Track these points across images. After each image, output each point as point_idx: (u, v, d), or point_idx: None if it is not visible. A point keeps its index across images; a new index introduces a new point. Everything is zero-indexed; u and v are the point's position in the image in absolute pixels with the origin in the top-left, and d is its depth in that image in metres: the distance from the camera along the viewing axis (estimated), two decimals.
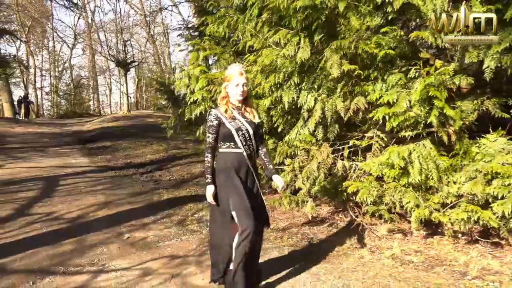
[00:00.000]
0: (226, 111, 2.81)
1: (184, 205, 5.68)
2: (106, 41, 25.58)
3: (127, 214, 5.24)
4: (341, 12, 3.42)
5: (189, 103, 4.77)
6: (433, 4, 3.29)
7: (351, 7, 3.46)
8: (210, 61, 6.05)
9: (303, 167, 4.18)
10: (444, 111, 3.27)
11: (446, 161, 3.59)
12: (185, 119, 5.14)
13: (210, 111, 2.88)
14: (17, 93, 27.44)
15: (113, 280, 3.24)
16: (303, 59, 3.72)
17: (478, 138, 3.67)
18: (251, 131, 2.83)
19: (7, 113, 20.59)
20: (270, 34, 3.95)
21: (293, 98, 4.08)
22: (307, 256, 3.69)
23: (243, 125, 2.81)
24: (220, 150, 2.85)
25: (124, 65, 21.02)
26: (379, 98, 3.49)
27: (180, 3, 21.57)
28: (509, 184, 3.15)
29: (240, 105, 2.87)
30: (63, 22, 34.58)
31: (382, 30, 3.50)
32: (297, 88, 4.10)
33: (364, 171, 4.02)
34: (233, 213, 2.73)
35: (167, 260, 3.68)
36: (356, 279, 3.03)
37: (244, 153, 2.80)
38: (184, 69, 5.04)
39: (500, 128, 3.72)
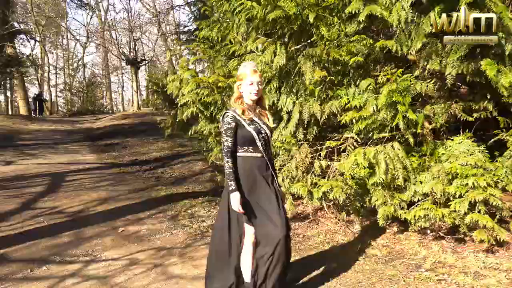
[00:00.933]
0: (243, 112, 2.62)
1: (179, 201, 5.98)
2: (117, 39, 26.02)
3: (125, 209, 5.57)
4: (312, 22, 3.64)
5: (179, 105, 5.06)
6: (398, 15, 3.50)
7: (322, 17, 3.68)
8: (204, 65, 6.32)
9: (284, 166, 4.45)
10: (407, 115, 3.48)
11: (415, 161, 3.81)
12: (178, 120, 5.43)
13: (225, 112, 2.66)
14: (33, 91, 28.32)
15: (101, 269, 3.57)
16: (279, 65, 3.97)
17: (445, 140, 3.88)
18: (269, 134, 2.71)
19: (22, 110, 21.24)
20: (250, 42, 4.20)
21: (273, 101, 4.33)
22: None
23: (262, 127, 2.66)
24: (237, 154, 2.65)
25: (134, 63, 21.44)
26: (348, 102, 3.72)
27: (190, 2, 21.77)
28: (466, 184, 3.36)
29: (254, 106, 2.71)
30: (77, 20, 35.27)
31: (352, 38, 3.72)
32: (277, 91, 4.35)
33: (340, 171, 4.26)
34: (246, 226, 2.62)
35: (154, 251, 3.99)
36: (316, 270, 3.28)
37: (265, 157, 2.65)
38: (176, 73, 5.33)
39: (467, 130, 3.94)
